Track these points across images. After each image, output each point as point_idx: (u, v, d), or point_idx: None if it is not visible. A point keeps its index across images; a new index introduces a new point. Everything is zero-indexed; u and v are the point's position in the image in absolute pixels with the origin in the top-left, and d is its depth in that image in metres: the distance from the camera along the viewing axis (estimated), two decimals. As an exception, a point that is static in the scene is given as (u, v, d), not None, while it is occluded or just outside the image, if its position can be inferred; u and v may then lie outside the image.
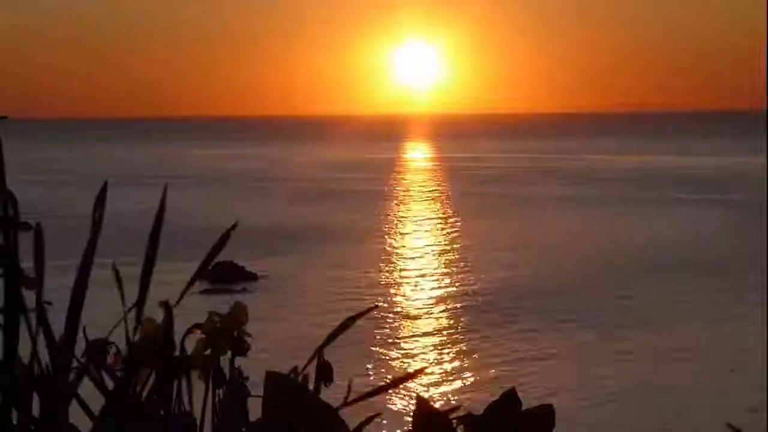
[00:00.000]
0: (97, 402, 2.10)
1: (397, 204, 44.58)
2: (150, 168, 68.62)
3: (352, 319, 2.15)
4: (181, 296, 2.12)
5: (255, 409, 2.27)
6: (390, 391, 2.20)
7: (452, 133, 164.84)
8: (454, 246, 31.14)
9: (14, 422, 2.04)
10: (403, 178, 61.48)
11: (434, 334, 19.24)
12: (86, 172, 61.44)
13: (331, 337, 2.17)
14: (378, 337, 18.15)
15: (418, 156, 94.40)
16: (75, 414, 2.11)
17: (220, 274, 23.18)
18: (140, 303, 2.09)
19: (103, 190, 2.10)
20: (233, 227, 2.15)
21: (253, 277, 24.52)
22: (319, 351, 2.24)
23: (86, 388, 2.10)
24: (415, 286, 24.15)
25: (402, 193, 50.71)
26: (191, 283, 2.12)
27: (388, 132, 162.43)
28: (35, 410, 2.06)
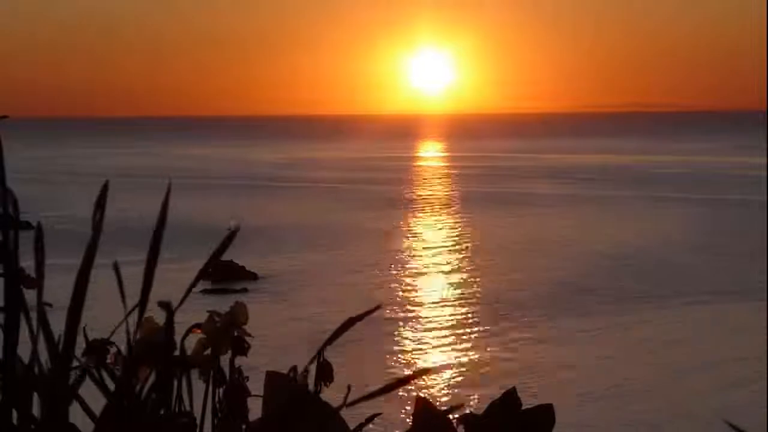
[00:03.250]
0: (97, 402, 2.10)
1: (404, 203, 44.48)
2: (167, 168, 68.58)
3: (353, 320, 2.15)
4: (183, 299, 2.12)
5: (255, 409, 2.27)
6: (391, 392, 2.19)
7: (459, 132, 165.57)
8: (460, 245, 31.12)
9: (14, 422, 2.04)
10: (411, 177, 61.37)
11: (436, 334, 19.24)
12: (91, 171, 61.39)
13: (333, 337, 2.17)
14: (379, 338, 18.14)
15: (428, 155, 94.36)
16: (75, 414, 2.11)
17: (220, 273, 23.18)
18: (142, 303, 2.09)
19: (104, 191, 2.10)
20: (236, 230, 2.15)
21: (253, 276, 24.50)
22: (320, 352, 2.24)
23: (87, 389, 2.11)
24: (419, 286, 24.14)
25: (410, 193, 50.64)
26: (193, 285, 2.12)
27: (402, 131, 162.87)
28: (35, 410, 2.06)
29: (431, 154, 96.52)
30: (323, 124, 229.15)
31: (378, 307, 2.15)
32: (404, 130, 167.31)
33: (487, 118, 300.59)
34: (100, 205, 2.07)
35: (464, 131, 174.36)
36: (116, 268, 2.14)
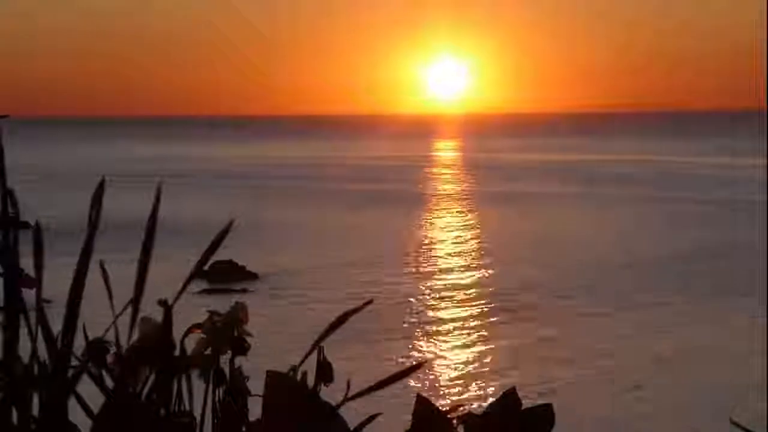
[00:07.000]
0: (97, 401, 2.10)
1: (409, 203, 44.40)
2: (194, 166, 68.77)
3: (347, 315, 2.15)
4: (178, 295, 2.12)
5: (255, 409, 2.26)
6: (390, 386, 2.19)
7: (459, 131, 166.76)
8: (462, 245, 31.17)
9: (14, 422, 2.04)
10: (417, 177, 61.32)
11: (436, 334, 19.26)
12: (88, 171, 61.45)
13: (327, 332, 2.17)
14: (376, 334, 18.15)
15: (431, 154, 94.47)
16: (75, 413, 2.11)
17: (220, 273, 23.17)
18: (136, 302, 2.09)
19: (100, 188, 2.10)
20: (230, 226, 2.14)
21: (253, 276, 24.51)
22: (315, 346, 2.24)
23: (86, 388, 2.10)
24: (420, 286, 24.16)
25: (416, 193, 50.62)
26: (188, 281, 2.12)
27: (416, 131, 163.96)
28: (35, 410, 2.05)
29: (433, 153, 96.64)
30: (340, 124, 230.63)
31: (370, 302, 2.15)
32: (419, 130, 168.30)
33: (490, 119, 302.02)
34: (97, 202, 2.06)
35: (467, 131, 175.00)
36: (102, 267, 2.14)
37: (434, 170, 69.98)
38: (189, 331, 2.23)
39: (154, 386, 2.12)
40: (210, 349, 2.24)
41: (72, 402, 2.08)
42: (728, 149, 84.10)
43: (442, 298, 22.52)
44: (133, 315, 2.09)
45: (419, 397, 2.50)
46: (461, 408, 2.51)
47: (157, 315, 2.13)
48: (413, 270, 26.27)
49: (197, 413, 2.19)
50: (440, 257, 28.78)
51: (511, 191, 49.41)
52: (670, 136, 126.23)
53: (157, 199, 2.08)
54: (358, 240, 31.61)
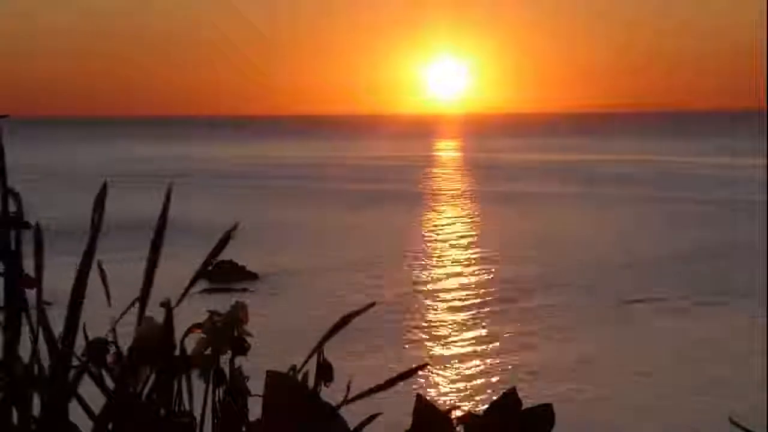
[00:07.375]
0: (97, 402, 2.10)
1: (409, 203, 44.32)
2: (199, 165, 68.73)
3: (349, 317, 2.16)
4: (182, 297, 2.12)
5: (255, 409, 2.27)
6: (391, 388, 2.20)
7: (466, 131, 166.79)
8: (462, 244, 31.16)
9: (14, 422, 2.04)
10: (417, 177, 61.25)
11: (436, 333, 19.27)
12: (93, 172, 61.42)
13: (331, 333, 2.18)
14: (377, 334, 18.15)
15: (436, 155, 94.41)
16: (75, 413, 2.11)
17: (220, 273, 23.14)
18: (143, 302, 2.10)
19: (103, 191, 2.10)
20: (234, 229, 2.15)
21: (253, 276, 24.48)
22: (318, 347, 2.25)
23: (86, 388, 2.11)
24: (421, 286, 24.14)
25: (416, 192, 50.56)
26: (191, 284, 2.13)
27: (417, 131, 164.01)
28: (35, 410, 2.06)
29: (433, 153, 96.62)
30: (340, 124, 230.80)
31: (372, 305, 2.16)
32: (419, 130, 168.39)
33: (490, 119, 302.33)
34: (100, 204, 2.07)
35: (467, 131, 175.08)
36: (100, 267, 2.14)
37: (434, 170, 69.94)
38: (189, 331, 2.24)
39: (154, 386, 2.12)
40: (210, 349, 2.25)
41: (73, 402, 2.08)
42: (728, 149, 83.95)
43: (442, 298, 22.52)
44: (139, 316, 2.10)
45: (419, 396, 2.50)
46: (461, 408, 2.51)
47: (159, 315, 2.14)
48: (414, 270, 26.25)
49: (197, 413, 2.19)
50: (440, 257, 28.78)
51: (511, 191, 49.44)
52: (670, 136, 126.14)
53: (168, 200, 2.09)
54: (359, 240, 31.60)
